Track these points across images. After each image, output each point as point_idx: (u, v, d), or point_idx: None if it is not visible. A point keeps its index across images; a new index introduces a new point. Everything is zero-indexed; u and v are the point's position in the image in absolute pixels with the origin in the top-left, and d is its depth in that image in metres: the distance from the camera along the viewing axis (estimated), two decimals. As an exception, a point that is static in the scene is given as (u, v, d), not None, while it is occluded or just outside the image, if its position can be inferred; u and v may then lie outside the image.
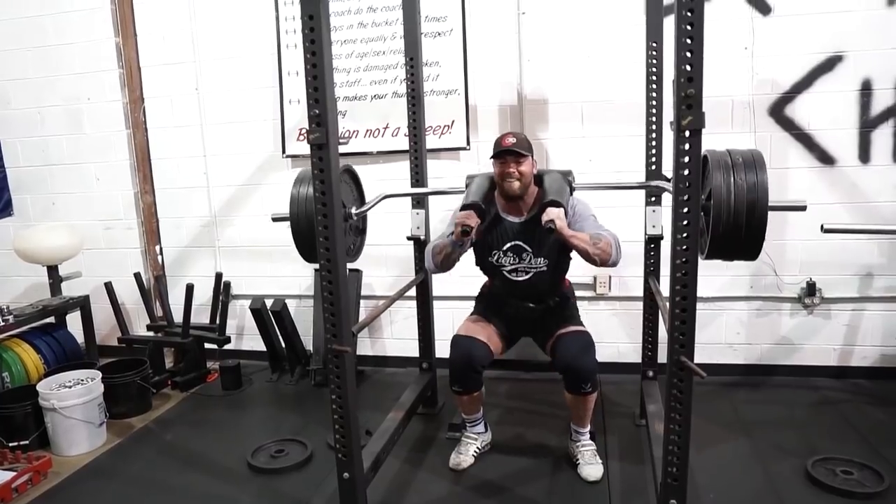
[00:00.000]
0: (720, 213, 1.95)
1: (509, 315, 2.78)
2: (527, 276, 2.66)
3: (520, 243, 2.65)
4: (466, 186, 2.79)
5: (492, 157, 2.61)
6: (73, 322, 3.85)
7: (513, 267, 2.67)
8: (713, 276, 3.40)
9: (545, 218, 2.41)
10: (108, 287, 3.94)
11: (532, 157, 2.61)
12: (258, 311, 3.67)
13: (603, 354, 3.60)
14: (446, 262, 2.64)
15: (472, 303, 2.95)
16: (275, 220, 2.68)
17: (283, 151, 3.84)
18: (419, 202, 3.17)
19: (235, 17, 3.81)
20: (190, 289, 3.73)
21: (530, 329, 2.82)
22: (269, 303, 3.76)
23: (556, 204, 2.47)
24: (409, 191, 3.15)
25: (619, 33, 3.34)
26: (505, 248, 2.67)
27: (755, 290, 3.48)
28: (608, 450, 2.84)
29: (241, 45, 3.82)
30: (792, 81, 3.26)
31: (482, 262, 2.77)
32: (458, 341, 2.66)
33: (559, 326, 2.68)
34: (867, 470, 2.50)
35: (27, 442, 2.95)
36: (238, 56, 3.81)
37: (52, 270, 3.84)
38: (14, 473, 2.66)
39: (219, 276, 3.93)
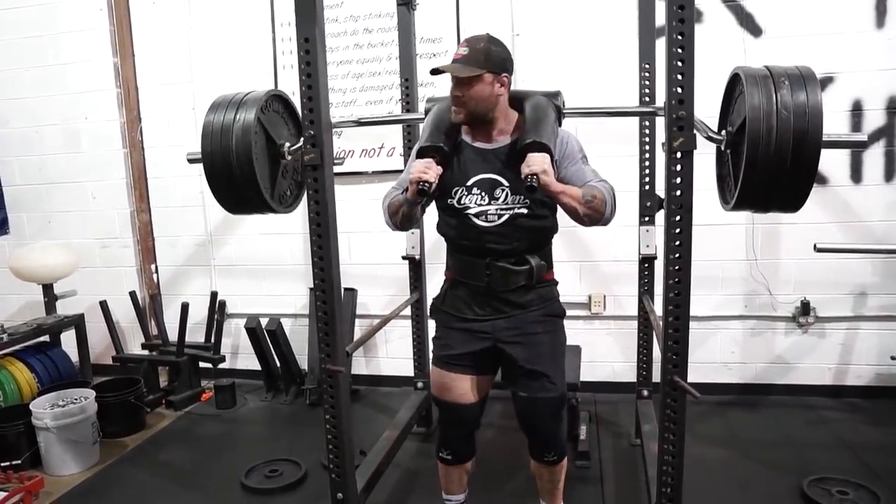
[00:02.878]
0: (757, 147, 1.62)
1: (482, 311, 2.06)
2: (499, 222, 1.97)
3: (491, 175, 1.97)
4: (426, 113, 2.18)
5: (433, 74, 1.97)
6: (68, 340, 3.84)
7: (480, 209, 1.98)
8: (707, 294, 3.41)
9: (525, 170, 1.83)
10: (104, 306, 3.94)
11: (496, 72, 1.92)
12: (253, 331, 3.67)
13: (598, 374, 3.67)
14: (405, 222, 2.09)
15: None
16: (191, 160, 2.21)
17: (280, 170, 3.86)
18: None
19: (232, 38, 3.85)
20: (185, 307, 3.73)
21: (506, 332, 2.05)
22: (264, 322, 3.76)
23: (540, 147, 1.87)
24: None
25: (613, 55, 3.37)
26: (470, 182, 1.99)
27: (749, 309, 3.49)
28: (603, 470, 2.83)
29: (238, 64, 3.85)
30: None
31: (440, 213, 2.10)
32: (447, 407, 2.14)
33: (527, 375, 2.03)
34: (863, 490, 2.50)
35: (19, 461, 2.93)
36: (234, 76, 3.83)
37: (48, 289, 3.83)
38: (5, 493, 2.64)
39: (214, 295, 3.93)
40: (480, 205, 1.98)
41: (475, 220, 1.99)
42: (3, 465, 2.88)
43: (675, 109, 1.72)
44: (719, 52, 3.25)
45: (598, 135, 3.44)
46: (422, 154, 1.98)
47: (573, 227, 2.04)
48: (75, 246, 4.07)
